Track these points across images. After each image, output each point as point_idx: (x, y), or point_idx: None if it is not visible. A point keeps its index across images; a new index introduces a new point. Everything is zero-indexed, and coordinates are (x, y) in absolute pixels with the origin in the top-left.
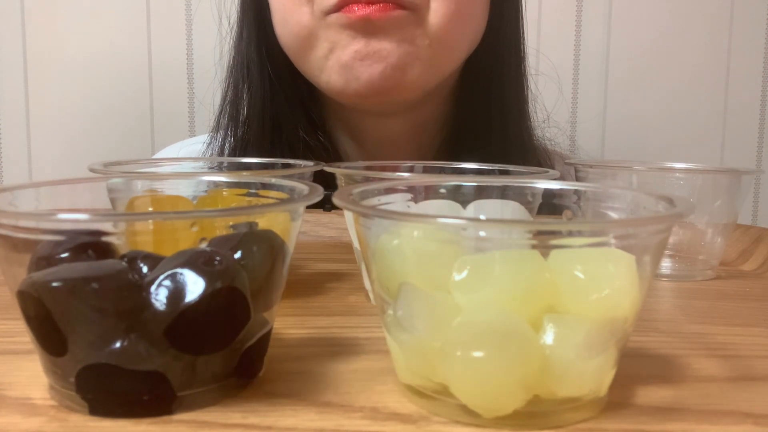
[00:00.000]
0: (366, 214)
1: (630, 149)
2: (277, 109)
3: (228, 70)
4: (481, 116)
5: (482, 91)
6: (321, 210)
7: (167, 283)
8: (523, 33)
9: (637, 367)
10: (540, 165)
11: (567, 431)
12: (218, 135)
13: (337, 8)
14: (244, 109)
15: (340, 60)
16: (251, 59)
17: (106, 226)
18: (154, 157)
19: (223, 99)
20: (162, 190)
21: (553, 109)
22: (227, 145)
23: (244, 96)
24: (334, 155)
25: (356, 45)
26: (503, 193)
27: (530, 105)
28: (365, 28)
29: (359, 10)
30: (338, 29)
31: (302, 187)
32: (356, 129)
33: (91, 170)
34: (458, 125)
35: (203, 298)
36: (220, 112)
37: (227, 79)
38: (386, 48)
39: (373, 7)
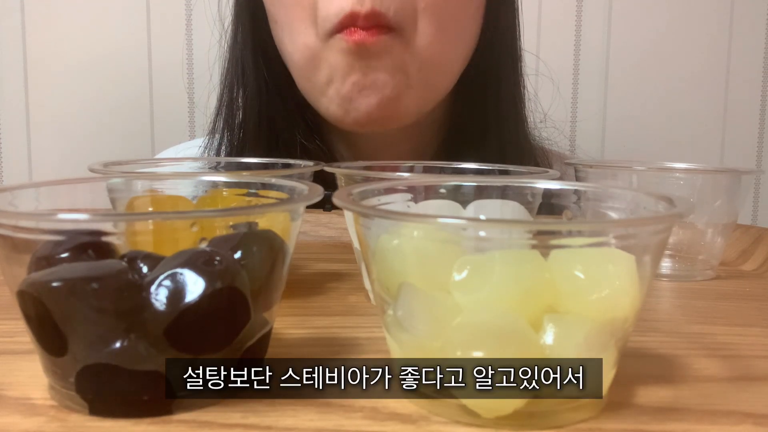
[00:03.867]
0: (366, 214)
1: (630, 149)
2: (273, 113)
3: (223, 73)
4: (477, 119)
5: (478, 94)
6: (321, 210)
7: (167, 283)
8: (519, 34)
9: (637, 367)
10: (538, 165)
11: (567, 431)
12: (214, 138)
13: (338, 29)
14: (239, 113)
15: (339, 92)
16: (246, 62)
17: (106, 226)
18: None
19: (219, 102)
20: (162, 190)
21: (552, 110)
22: (223, 148)
23: (239, 99)
24: (331, 158)
25: (354, 77)
26: (503, 193)
27: (528, 106)
28: (360, 53)
29: (356, 34)
30: (338, 54)
31: (302, 187)
32: (353, 133)
33: (91, 170)
34: (454, 128)
35: (203, 298)
36: (216, 115)
37: (222, 83)
38: (381, 79)
39: (365, 33)
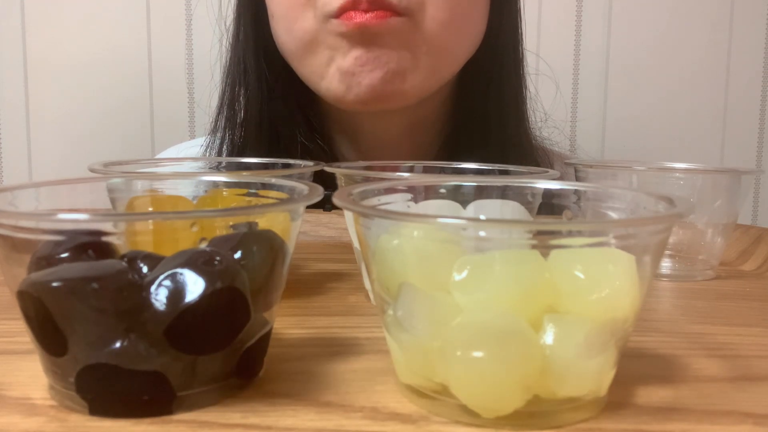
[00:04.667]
0: (366, 214)
1: (630, 149)
2: (274, 112)
3: (224, 73)
4: (479, 117)
5: (480, 92)
6: (321, 210)
7: (167, 283)
8: (521, 33)
9: (637, 367)
10: (539, 165)
11: (567, 431)
12: (216, 137)
13: (338, 14)
14: (240, 112)
15: (341, 67)
16: (248, 62)
17: (106, 226)
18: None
19: (220, 101)
20: (162, 190)
21: (553, 109)
22: (225, 147)
23: (241, 98)
24: (332, 158)
25: (356, 52)
26: (503, 193)
27: (529, 105)
28: (362, 37)
29: (356, 18)
30: (337, 37)
31: (302, 187)
32: (354, 131)
33: (91, 170)
34: (456, 126)
35: (203, 298)
36: (217, 114)
37: (224, 82)
38: (386, 53)
39: (369, 15)
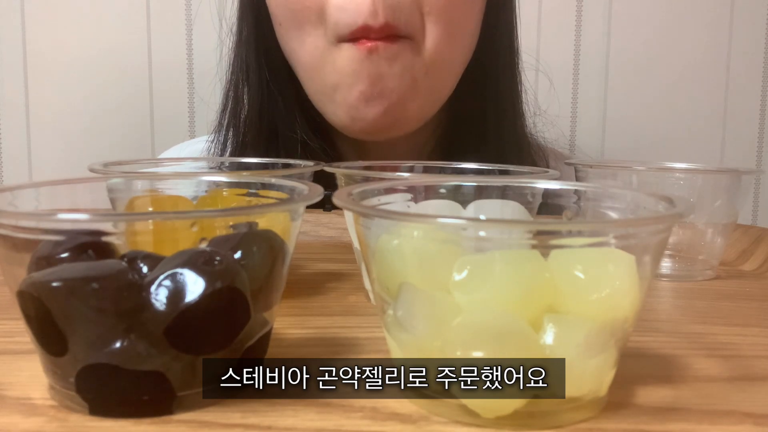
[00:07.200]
0: (366, 214)
1: (630, 149)
2: (273, 113)
3: (229, 71)
4: (475, 115)
5: (476, 90)
6: (321, 210)
7: (167, 283)
8: (516, 31)
9: (637, 367)
10: (535, 162)
11: (567, 431)
12: (221, 134)
13: (348, 38)
14: (244, 111)
15: (346, 100)
16: (250, 63)
17: (106, 226)
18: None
19: (224, 100)
20: (162, 190)
21: (552, 109)
22: (228, 145)
23: (244, 97)
24: (333, 156)
25: (361, 86)
26: (503, 193)
27: (525, 99)
28: (370, 62)
29: (368, 44)
30: (346, 59)
31: (302, 187)
32: None
33: (91, 170)
34: (453, 124)
35: (203, 298)
36: (223, 111)
37: (229, 80)
38: (388, 86)
39: (379, 42)
